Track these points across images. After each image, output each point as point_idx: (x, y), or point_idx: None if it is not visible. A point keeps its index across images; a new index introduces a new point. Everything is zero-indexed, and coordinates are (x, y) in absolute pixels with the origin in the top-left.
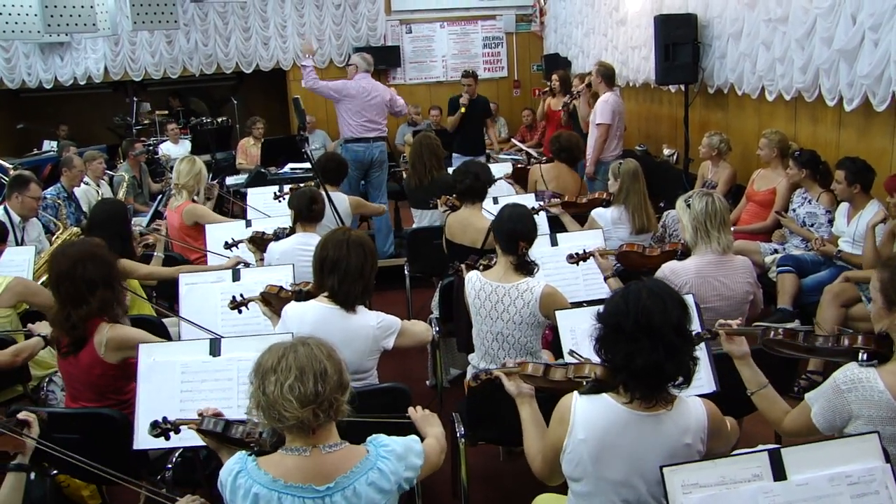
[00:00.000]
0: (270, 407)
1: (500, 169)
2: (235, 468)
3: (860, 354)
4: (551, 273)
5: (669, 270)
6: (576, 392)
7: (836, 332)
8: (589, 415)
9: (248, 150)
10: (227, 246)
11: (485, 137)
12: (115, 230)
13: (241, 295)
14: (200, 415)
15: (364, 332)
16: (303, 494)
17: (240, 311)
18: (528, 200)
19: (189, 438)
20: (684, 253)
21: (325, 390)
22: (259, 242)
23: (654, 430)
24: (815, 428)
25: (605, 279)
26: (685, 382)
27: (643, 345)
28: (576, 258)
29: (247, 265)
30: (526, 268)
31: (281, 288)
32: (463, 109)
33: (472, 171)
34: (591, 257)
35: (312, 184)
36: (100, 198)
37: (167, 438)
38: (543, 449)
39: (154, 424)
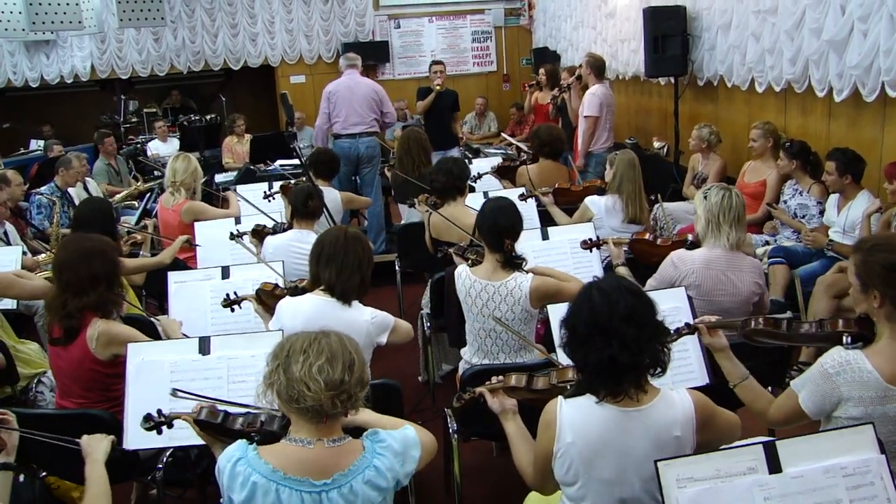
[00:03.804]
0: (290, 386)
1: (487, 163)
2: (236, 455)
3: (844, 338)
4: None
5: (677, 258)
6: (560, 397)
7: (817, 319)
8: (574, 417)
9: (234, 149)
10: (233, 237)
11: (454, 131)
12: (101, 228)
13: (235, 293)
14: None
15: (358, 326)
16: (300, 488)
17: (232, 310)
18: (516, 193)
19: (180, 438)
20: (694, 244)
21: (349, 380)
22: (261, 236)
23: (639, 424)
24: (803, 415)
25: (615, 267)
26: (660, 371)
27: (596, 342)
28: (589, 244)
29: (192, 245)
30: (513, 264)
31: (276, 286)
32: (439, 88)
33: (445, 168)
34: (605, 244)
35: (304, 180)
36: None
37: (159, 432)
38: (534, 459)
39: (147, 417)
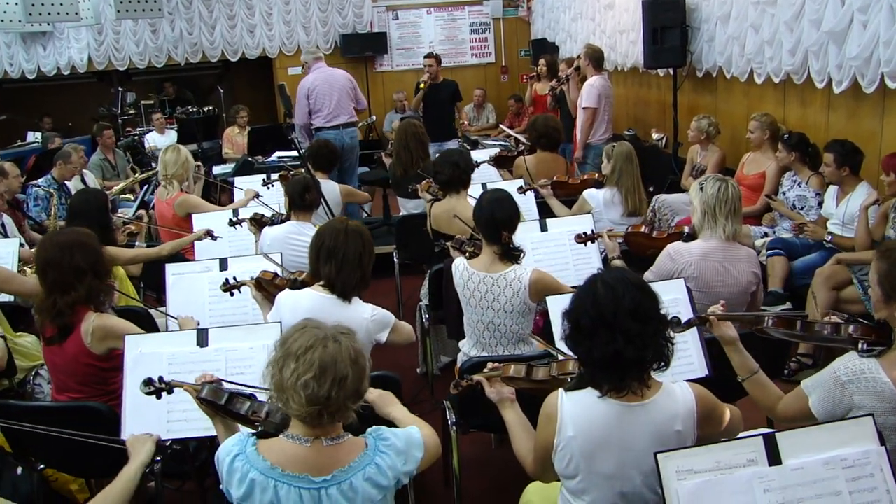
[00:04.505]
0: (281, 388)
1: (486, 155)
2: (234, 450)
3: (860, 344)
4: (541, 259)
5: (674, 250)
6: (560, 390)
7: (832, 321)
8: (575, 411)
9: (234, 139)
10: (232, 223)
11: (454, 122)
12: (94, 219)
13: (234, 278)
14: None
15: (357, 323)
16: (298, 484)
17: (231, 294)
18: (515, 185)
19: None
20: (690, 235)
21: (338, 396)
22: (259, 224)
23: (641, 419)
24: (812, 416)
25: (611, 260)
26: (663, 365)
27: (601, 337)
28: (584, 238)
29: (214, 238)
30: (511, 256)
31: (276, 275)
32: (423, 86)
33: (452, 160)
34: (600, 238)
35: (303, 171)
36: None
37: (158, 397)
38: (534, 450)
39: (148, 381)
